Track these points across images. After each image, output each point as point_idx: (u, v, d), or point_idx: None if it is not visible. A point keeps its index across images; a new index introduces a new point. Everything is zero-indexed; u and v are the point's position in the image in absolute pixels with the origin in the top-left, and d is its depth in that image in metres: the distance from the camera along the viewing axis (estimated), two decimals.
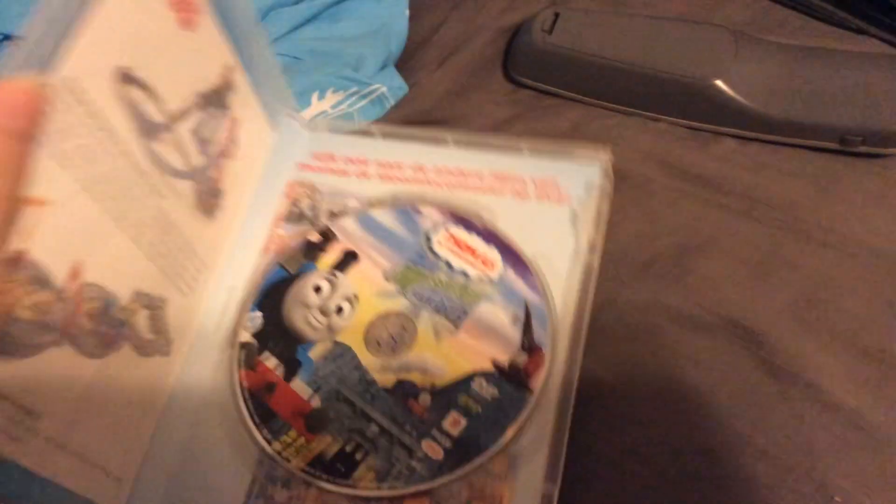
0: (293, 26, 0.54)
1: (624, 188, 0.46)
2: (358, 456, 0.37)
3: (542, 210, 0.43)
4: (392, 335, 0.40)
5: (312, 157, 0.46)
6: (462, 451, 0.36)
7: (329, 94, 0.51)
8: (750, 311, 0.41)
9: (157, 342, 0.38)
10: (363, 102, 0.51)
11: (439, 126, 0.50)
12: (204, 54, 0.39)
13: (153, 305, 0.37)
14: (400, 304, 0.40)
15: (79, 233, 0.31)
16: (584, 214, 0.42)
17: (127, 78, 0.33)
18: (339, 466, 0.36)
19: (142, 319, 0.37)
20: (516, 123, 0.50)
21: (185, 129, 0.37)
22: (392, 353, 0.39)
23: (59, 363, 0.31)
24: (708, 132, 0.48)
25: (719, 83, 0.46)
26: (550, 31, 0.50)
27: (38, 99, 0.26)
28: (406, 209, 0.43)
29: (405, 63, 0.56)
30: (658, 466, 0.37)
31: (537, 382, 0.38)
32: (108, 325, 0.34)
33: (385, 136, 0.46)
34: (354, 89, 0.51)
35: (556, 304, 0.40)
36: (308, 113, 0.50)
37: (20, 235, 0.28)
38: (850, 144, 0.45)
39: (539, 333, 0.39)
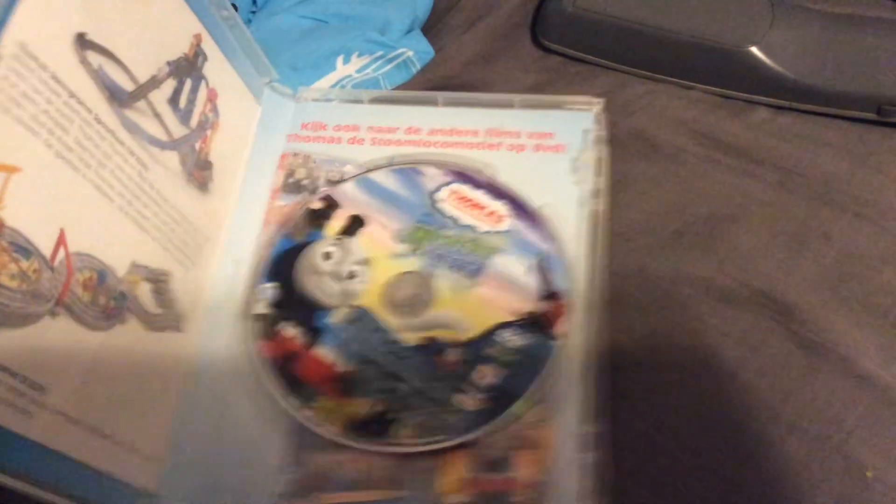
0: None
1: (655, 157, 0.47)
2: (391, 415, 0.38)
3: (541, 161, 0.45)
4: (410, 295, 0.42)
5: (302, 128, 0.48)
6: (496, 401, 0.38)
7: (354, 58, 0.52)
8: (781, 283, 0.42)
9: (166, 317, 0.40)
10: (389, 67, 0.52)
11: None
12: (167, 21, 0.40)
13: (155, 278, 0.39)
14: (414, 263, 0.42)
15: (59, 201, 0.33)
16: (583, 162, 0.44)
17: (85, 43, 0.34)
18: (375, 427, 0.38)
19: (145, 292, 0.38)
20: (545, 90, 0.51)
21: (159, 97, 0.39)
22: (413, 312, 0.41)
23: (59, 334, 0.33)
24: (742, 101, 0.49)
25: (754, 50, 0.47)
26: None
27: None
28: (406, 170, 0.45)
29: (431, 27, 0.57)
30: (686, 439, 0.38)
31: (561, 328, 0.40)
32: (106, 297, 0.35)
33: (374, 101, 0.48)
34: (380, 53, 0.53)
35: (569, 251, 0.42)
36: (333, 77, 0.52)
37: None
38: (887, 115, 0.46)
39: (556, 280, 0.41)
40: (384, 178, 0.45)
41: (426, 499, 0.37)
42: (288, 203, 0.45)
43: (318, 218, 0.44)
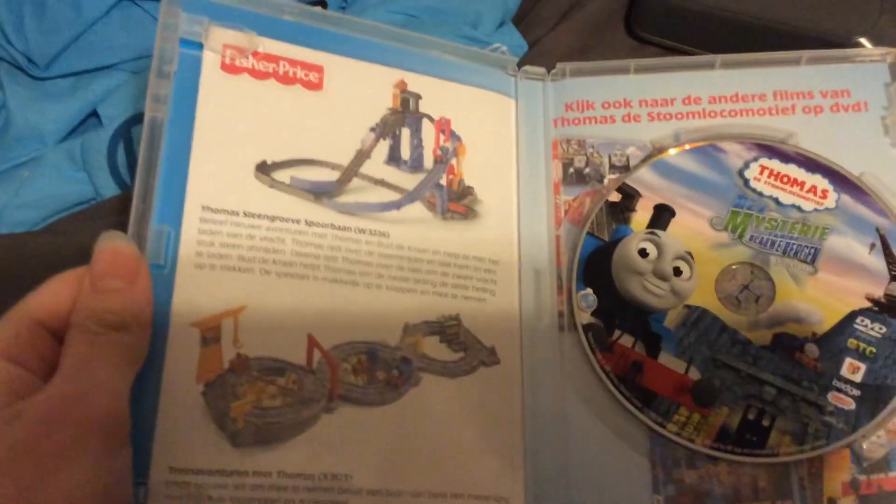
0: None
1: None
2: (765, 422, 0.38)
3: (843, 122, 0.42)
4: (747, 288, 0.40)
5: (567, 109, 0.44)
6: (872, 396, 0.38)
7: None
8: None
9: (471, 356, 0.39)
10: None
11: None
12: (356, 92, 0.40)
13: (440, 328, 0.39)
14: (741, 253, 0.41)
15: (295, 311, 0.35)
16: (893, 118, 0.42)
17: (267, 168, 0.37)
18: (750, 436, 0.38)
19: (433, 346, 0.38)
20: None
21: (373, 164, 0.40)
22: (754, 306, 0.40)
23: (342, 424, 0.35)
24: None
25: (863, 41, 0.46)
26: None
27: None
28: (703, 148, 0.43)
29: (522, 19, 0.56)
30: None
31: None
32: (385, 370, 0.37)
33: (641, 70, 0.44)
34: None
35: None
36: None
37: (231, 344, 0.34)
38: None
39: None
40: (681, 160, 0.42)
41: None
42: (573, 196, 0.43)
43: (619, 211, 0.42)
